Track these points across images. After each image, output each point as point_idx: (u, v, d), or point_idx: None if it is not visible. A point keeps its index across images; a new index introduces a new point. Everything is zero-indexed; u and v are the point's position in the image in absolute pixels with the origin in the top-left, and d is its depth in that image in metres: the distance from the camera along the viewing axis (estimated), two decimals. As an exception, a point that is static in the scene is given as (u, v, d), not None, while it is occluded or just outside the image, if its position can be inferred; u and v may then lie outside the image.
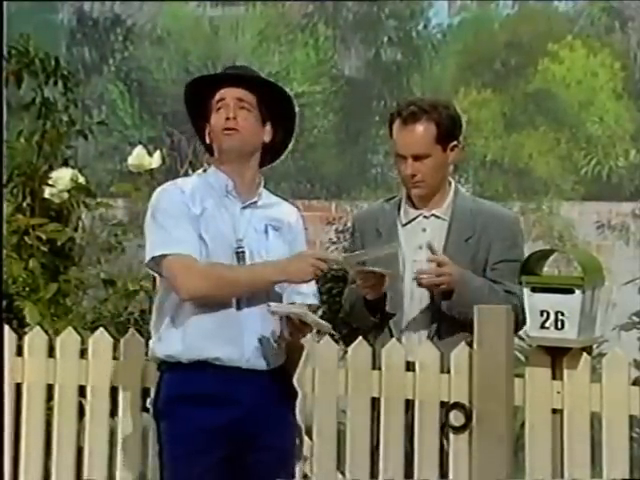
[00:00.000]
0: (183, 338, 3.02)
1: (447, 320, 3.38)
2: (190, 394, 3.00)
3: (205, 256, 3.02)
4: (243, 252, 3.05)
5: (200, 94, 3.15)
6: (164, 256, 3.01)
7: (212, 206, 3.07)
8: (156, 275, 3.13)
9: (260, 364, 3.04)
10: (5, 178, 4.48)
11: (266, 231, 3.11)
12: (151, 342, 3.12)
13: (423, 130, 3.36)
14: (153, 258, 3.03)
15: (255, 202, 3.12)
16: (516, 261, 3.33)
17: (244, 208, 3.10)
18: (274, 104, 3.15)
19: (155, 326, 3.11)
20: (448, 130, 3.39)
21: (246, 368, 3.02)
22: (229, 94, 3.10)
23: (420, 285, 3.35)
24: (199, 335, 3.01)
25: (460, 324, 3.33)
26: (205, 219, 3.04)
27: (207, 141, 3.16)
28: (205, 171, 3.18)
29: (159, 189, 3.15)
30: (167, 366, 3.06)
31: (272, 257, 3.08)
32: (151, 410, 3.16)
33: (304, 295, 3.12)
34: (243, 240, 3.06)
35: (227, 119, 3.07)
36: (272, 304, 3.00)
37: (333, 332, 3.20)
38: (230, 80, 3.13)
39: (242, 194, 3.11)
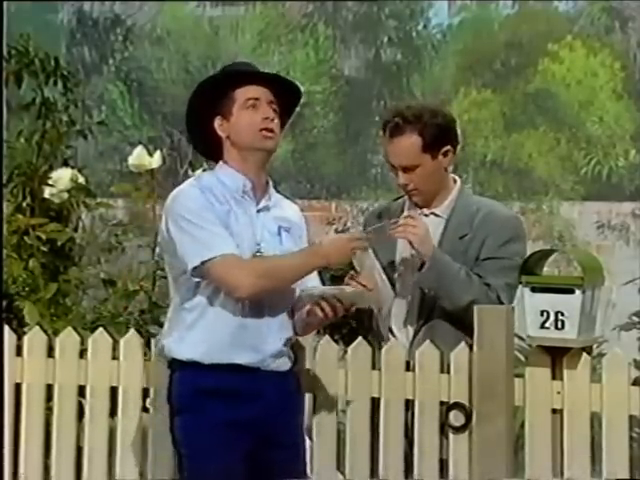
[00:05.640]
0: (207, 343, 3.00)
1: (435, 318, 3.39)
2: (211, 388, 2.99)
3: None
4: (262, 256, 3.04)
5: (222, 88, 3.07)
6: (207, 261, 2.95)
7: (234, 206, 3.04)
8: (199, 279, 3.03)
9: (277, 366, 3.07)
10: (5, 178, 4.48)
11: (279, 233, 3.09)
12: (168, 340, 3.08)
13: (407, 143, 3.37)
14: (195, 268, 2.97)
15: (267, 205, 3.11)
16: (505, 259, 3.33)
17: (259, 211, 3.08)
18: (289, 105, 3.15)
19: (174, 324, 3.08)
20: (435, 138, 3.38)
21: (264, 370, 3.04)
22: (264, 95, 3.06)
23: (396, 235, 3.37)
24: (224, 341, 3.00)
25: (450, 322, 3.34)
26: (231, 218, 3.01)
27: (220, 134, 3.08)
28: (205, 170, 3.17)
29: (176, 192, 3.06)
30: (183, 363, 3.04)
31: None
32: (151, 406, 3.16)
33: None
34: (261, 244, 3.05)
35: (266, 119, 3.04)
36: (306, 289, 3.02)
37: (372, 307, 3.22)
38: (262, 80, 3.09)
39: (257, 196, 3.09)
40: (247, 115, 3.05)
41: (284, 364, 3.10)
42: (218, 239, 2.94)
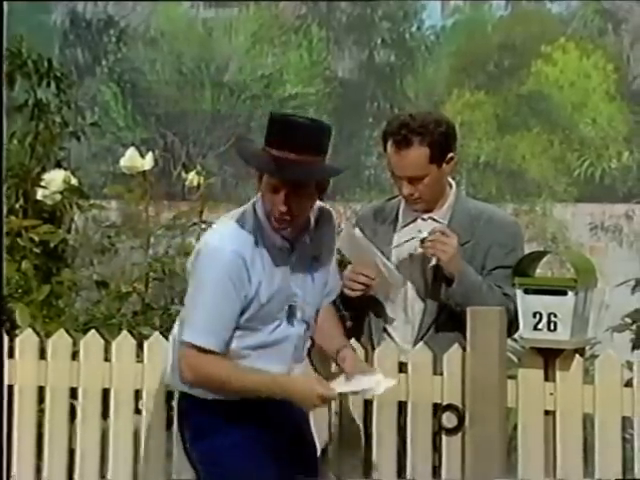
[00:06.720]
0: None
1: (440, 324, 3.39)
2: (235, 409, 2.96)
3: (259, 315, 2.94)
4: (295, 306, 2.99)
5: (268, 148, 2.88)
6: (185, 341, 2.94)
7: (269, 264, 2.94)
8: None
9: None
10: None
11: (310, 270, 3.02)
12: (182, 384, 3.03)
13: (416, 155, 3.32)
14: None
15: (303, 248, 3.00)
16: (512, 267, 3.32)
17: (293, 254, 2.98)
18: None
19: None
20: (442, 148, 3.35)
21: None
22: (285, 186, 2.87)
23: (425, 253, 3.35)
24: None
25: (456, 329, 3.33)
26: (264, 281, 2.93)
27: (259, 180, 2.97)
28: (198, 173, 3.15)
29: (211, 244, 2.93)
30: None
31: (316, 299, 3.05)
32: (143, 408, 3.14)
33: (331, 292, 3.14)
34: (294, 291, 2.98)
35: (281, 212, 2.89)
36: (337, 388, 2.94)
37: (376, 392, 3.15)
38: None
39: (292, 240, 2.99)
40: (270, 193, 2.90)
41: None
42: (208, 330, 2.90)
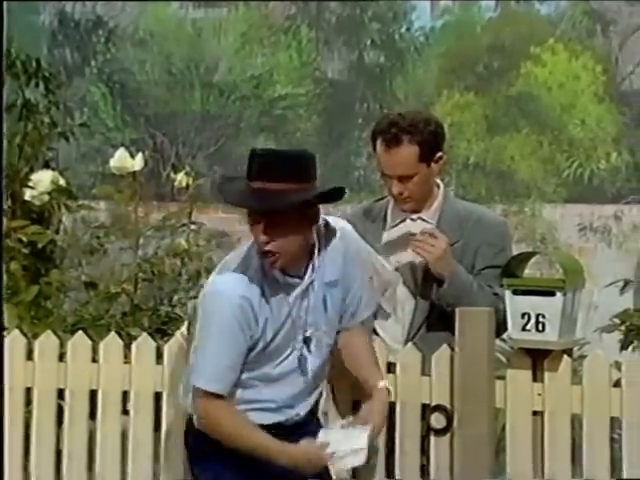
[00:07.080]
0: (247, 413, 2.95)
1: (431, 324, 3.39)
2: None
3: (266, 352, 2.92)
4: (310, 337, 2.95)
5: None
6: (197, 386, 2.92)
7: (275, 300, 2.91)
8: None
9: (306, 410, 3.06)
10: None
11: (324, 300, 2.97)
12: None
13: (406, 153, 3.34)
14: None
15: (312, 280, 2.94)
16: (501, 267, 3.33)
17: (300, 285, 2.93)
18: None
19: None
20: (431, 147, 3.37)
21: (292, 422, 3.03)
22: (256, 218, 2.83)
23: (415, 252, 3.36)
24: (264, 411, 2.97)
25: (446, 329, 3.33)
26: (270, 319, 2.90)
27: None
28: (187, 174, 3.14)
29: (223, 288, 2.89)
30: None
31: (332, 325, 3.01)
32: (131, 409, 3.12)
33: (356, 313, 3.09)
34: (305, 322, 2.94)
35: (261, 243, 2.83)
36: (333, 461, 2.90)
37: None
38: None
39: (299, 273, 2.93)
40: (251, 226, 2.86)
41: (311, 406, 3.07)
42: (218, 373, 2.89)
